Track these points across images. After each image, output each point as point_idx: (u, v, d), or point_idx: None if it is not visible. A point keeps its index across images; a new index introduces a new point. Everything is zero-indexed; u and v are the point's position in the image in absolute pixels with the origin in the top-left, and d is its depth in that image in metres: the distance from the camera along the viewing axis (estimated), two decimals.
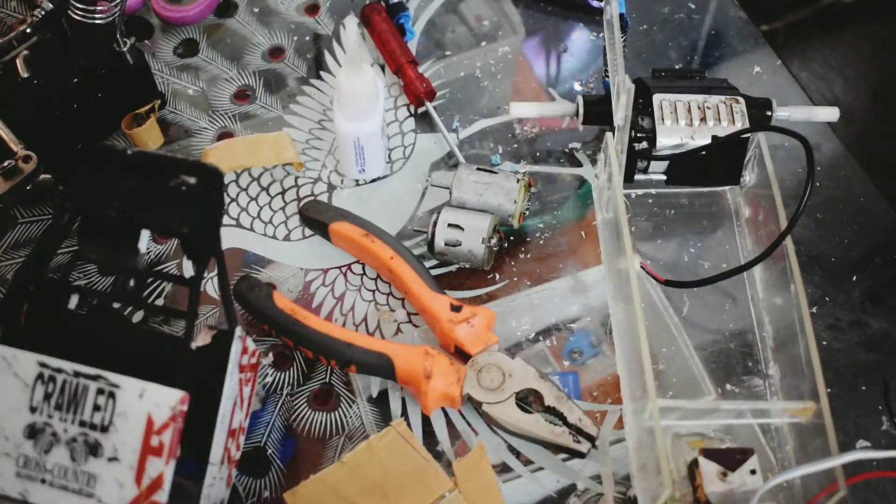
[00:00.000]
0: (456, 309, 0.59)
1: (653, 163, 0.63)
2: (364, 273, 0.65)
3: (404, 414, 0.59)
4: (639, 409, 0.52)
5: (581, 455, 0.55)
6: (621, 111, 0.59)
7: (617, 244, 0.58)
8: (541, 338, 0.62)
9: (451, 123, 0.72)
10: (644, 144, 0.62)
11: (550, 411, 0.56)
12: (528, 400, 0.57)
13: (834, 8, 0.82)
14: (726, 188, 0.67)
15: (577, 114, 0.68)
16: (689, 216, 0.67)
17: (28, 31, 0.65)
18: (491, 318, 0.59)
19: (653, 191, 0.67)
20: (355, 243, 0.63)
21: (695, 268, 0.64)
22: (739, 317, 0.62)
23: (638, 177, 0.64)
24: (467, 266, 0.64)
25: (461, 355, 0.58)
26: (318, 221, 0.64)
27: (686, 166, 0.63)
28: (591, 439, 0.55)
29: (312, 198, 0.68)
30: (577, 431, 0.55)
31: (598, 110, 0.67)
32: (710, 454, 0.49)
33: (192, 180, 0.49)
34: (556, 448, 0.57)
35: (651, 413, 0.49)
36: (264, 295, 0.60)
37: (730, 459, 0.49)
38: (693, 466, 0.49)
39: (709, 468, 0.49)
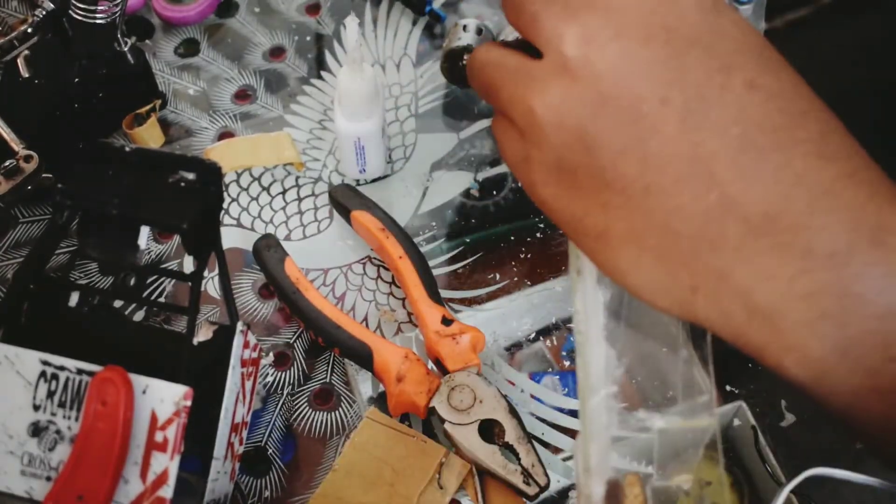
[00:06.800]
0: (446, 322, 0.58)
1: None
2: (364, 273, 0.65)
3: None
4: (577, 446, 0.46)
5: (529, 497, 0.54)
6: None
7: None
8: (541, 337, 0.62)
9: (452, 123, 0.72)
10: None
11: (509, 448, 0.54)
12: (491, 430, 0.55)
13: (835, 6, 0.82)
14: None
15: None
16: None
17: (29, 30, 0.66)
18: (479, 341, 0.58)
19: None
20: (372, 235, 0.63)
21: None
22: None
23: None
24: None
25: (441, 369, 0.58)
26: (343, 206, 0.65)
27: None
28: (540, 487, 0.53)
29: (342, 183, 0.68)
30: (527, 475, 0.53)
31: None
32: None
33: (190, 176, 0.49)
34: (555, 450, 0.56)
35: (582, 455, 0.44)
36: (278, 258, 0.61)
37: None
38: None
39: None
